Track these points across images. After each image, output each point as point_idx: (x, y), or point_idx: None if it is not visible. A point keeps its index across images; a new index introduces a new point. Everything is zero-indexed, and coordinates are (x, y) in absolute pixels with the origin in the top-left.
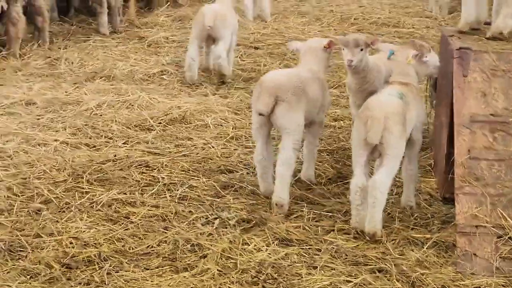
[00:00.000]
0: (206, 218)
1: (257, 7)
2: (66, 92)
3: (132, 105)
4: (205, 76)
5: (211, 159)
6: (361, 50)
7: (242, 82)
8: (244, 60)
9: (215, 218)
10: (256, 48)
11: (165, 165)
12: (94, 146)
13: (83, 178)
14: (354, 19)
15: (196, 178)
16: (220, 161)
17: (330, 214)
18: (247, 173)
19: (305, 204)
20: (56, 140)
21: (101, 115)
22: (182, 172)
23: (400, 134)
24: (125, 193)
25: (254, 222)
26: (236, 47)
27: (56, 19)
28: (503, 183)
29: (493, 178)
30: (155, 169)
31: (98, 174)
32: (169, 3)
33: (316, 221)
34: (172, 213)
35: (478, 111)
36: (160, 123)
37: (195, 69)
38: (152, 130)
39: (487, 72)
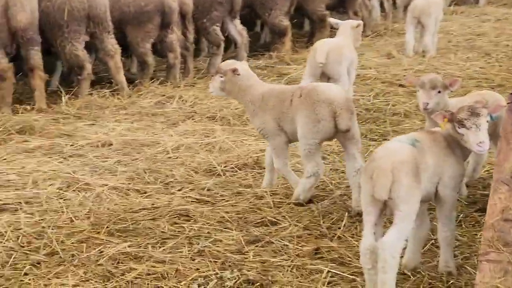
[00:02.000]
0: (205, 278)
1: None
2: (152, 133)
3: (214, 148)
4: None
5: (259, 210)
6: (439, 92)
7: (365, 124)
8: (377, 99)
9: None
10: (401, 86)
11: (204, 215)
12: (145, 193)
13: (104, 228)
14: None
15: (227, 230)
16: (267, 212)
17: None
18: (290, 224)
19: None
20: (104, 185)
21: (175, 158)
22: (217, 224)
23: (412, 186)
24: (139, 246)
25: (258, 284)
26: (380, 85)
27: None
28: None
29: None
30: (190, 219)
31: (123, 224)
32: None
33: None
34: (173, 271)
35: None
36: (231, 167)
37: None
38: (219, 175)
39: None
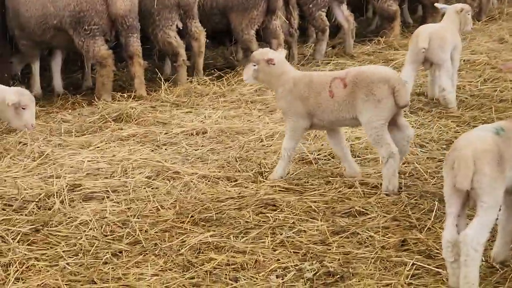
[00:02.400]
0: (285, 269)
1: None
2: (248, 120)
3: (309, 135)
4: (423, 102)
5: (348, 199)
6: None
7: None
8: (485, 86)
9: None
10: None
11: (291, 204)
12: (235, 181)
13: (188, 217)
14: None
15: (312, 220)
16: (356, 201)
17: None
18: (378, 215)
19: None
20: (194, 174)
21: (268, 146)
22: (303, 213)
23: (495, 176)
24: (221, 236)
25: (338, 276)
26: (490, 71)
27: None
28: None
29: None
30: (277, 209)
31: (208, 213)
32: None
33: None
34: (253, 262)
35: None
36: (325, 155)
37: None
38: (310, 164)
39: None
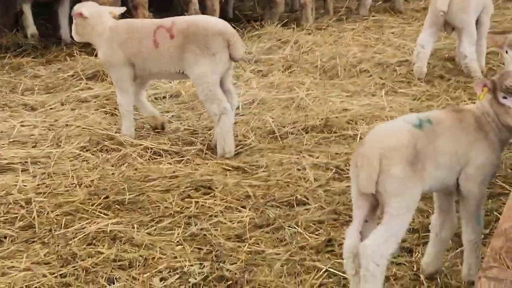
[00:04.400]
0: (174, 270)
1: None
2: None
3: (290, 105)
4: (447, 69)
5: (294, 185)
6: None
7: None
8: None
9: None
10: None
11: (226, 189)
12: (182, 156)
13: (102, 199)
14: None
15: (240, 210)
16: (300, 189)
17: None
18: (319, 207)
19: None
20: (138, 145)
21: (241, 115)
22: (235, 201)
23: (407, 177)
24: (127, 224)
25: (230, 283)
26: None
27: None
28: None
29: None
30: (208, 193)
31: (129, 195)
32: None
33: None
34: (143, 259)
35: None
36: (298, 130)
37: (424, 60)
38: (276, 139)
39: None
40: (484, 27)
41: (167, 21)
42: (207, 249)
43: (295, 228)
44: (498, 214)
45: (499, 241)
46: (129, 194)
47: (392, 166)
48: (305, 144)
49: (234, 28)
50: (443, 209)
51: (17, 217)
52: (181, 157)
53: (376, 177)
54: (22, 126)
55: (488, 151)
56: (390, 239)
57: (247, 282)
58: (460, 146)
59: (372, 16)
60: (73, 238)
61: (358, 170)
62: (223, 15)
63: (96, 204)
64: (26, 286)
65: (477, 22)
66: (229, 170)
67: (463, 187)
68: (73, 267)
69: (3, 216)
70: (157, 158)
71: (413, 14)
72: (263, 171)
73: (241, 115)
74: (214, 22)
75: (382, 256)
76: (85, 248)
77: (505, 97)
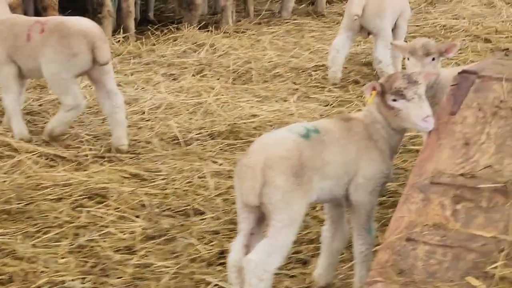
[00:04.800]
0: (55, 285)
1: None
2: (142, 88)
3: (198, 110)
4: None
5: (191, 194)
6: (433, 59)
7: None
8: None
9: None
10: (487, 40)
11: (121, 198)
12: (79, 164)
13: None
14: None
15: (134, 220)
16: (198, 198)
17: None
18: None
19: None
20: (33, 152)
21: (146, 120)
22: (129, 210)
23: (292, 189)
24: (12, 235)
25: None
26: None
27: None
28: (435, 284)
29: (425, 274)
30: (102, 202)
31: (17, 204)
32: None
33: None
34: (25, 273)
35: (447, 167)
36: (203, 136)
37: (339, 64)
38: (178, 145)
39: (487, 110)
40: (400, 31)
41: (47, 17)
42: (93, 262)
43: (188, 239)
44: None
45: (385, 254)
46: (17, 203)
47: (276, 177)
48: (209, 151)
49: (151, 30)
50: (334, 220)
51: None
52: (78, 164)
53: (259, 189)
54: None
55: (377, 160)
56: (275, 253)
57: None
58: (349, 156)
59: (294, 20)
60: None
61: (242, 181)
62: (143, 17)
63: None
64: None
65: (394, 26)
66: (127, 177)
67: (353, 198)
68: None
69: None
70: (53, 165)
71: (336, 18)
72: (162, 179)
73: (146, 120)
74: (82, 23)
75: (265, 271)
76: None
77: (394, 100)
